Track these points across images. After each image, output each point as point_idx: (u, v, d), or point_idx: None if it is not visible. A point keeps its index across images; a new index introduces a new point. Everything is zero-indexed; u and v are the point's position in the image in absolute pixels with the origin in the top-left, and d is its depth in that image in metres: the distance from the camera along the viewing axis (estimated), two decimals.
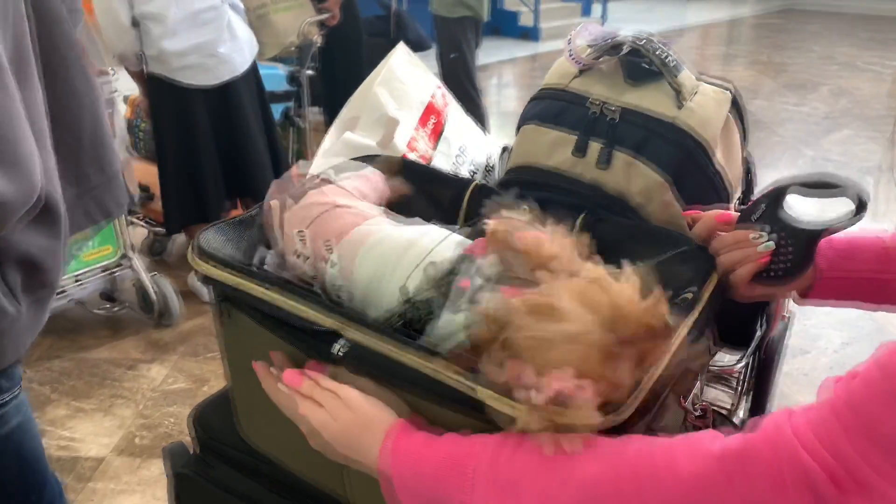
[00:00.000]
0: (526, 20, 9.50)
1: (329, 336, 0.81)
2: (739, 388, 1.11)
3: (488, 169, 1.33)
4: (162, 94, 2.98)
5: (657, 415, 0.74)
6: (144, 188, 3.37)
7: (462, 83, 4.47)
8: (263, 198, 1.00)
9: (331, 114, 3.69)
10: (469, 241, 0.87)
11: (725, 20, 11.18)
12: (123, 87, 3.17)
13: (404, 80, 1.33)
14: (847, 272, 0.93)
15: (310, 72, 3.85)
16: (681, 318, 0.76)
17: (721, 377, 1.12)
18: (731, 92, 1.07)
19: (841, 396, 0.62)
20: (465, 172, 1.29)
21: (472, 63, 4.63)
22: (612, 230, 1.01)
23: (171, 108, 2.99)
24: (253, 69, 3.10)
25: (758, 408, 1.13)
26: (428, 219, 1.00)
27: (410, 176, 1.12)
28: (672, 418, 0.80)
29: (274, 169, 3.23)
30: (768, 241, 0.90)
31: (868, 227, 0.92)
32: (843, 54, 8.72)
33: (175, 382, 2.75)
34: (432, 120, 1.32)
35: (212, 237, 0.92)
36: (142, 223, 3.46)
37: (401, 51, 1.37)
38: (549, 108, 1.10)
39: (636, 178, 1.02)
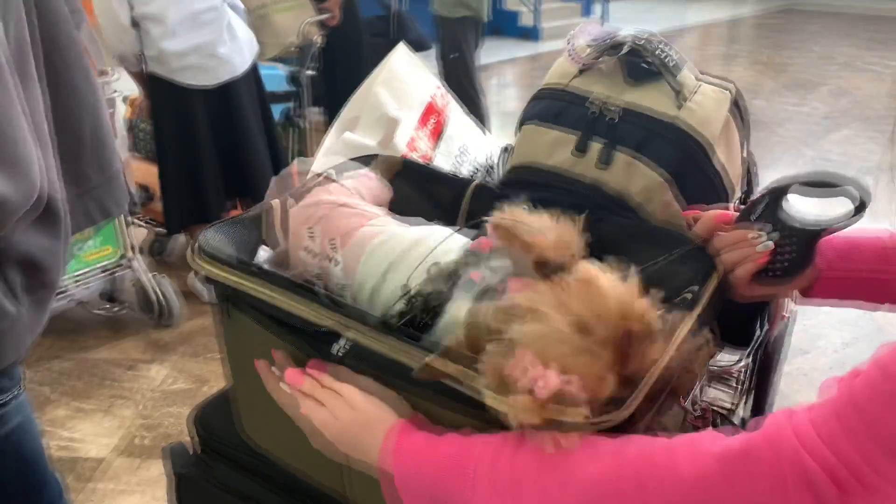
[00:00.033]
0: (526, 20, 9.50)
1: (330, 335, 0.81)
2: (740, 388, 1.11)
3: (489, 169, 1.33)
4: (162, 94, 2.98)
5: (656, 414, 0.74)
6: (145, 188, 3.37)
7: (462, 83, 4.47)
8: (263, 198, 1.00)
9: (331, 114, 3.68)
10: (472, 241, 0.87)
11: (726, 20, 11.18)
12: (124, 87, 3.18)
13: (405, 79, 1.33)
14: (846, 272, 0.93)
15: (310, 72, 3.85)
16: (678, 321, 0.76)
17: (722, 377, 1.11)
18: (731, 92, 1.07)
19: (842, 397, 0.61)
20: (465, 172, 1.29)
21: (473, 63, 4.63)
22: (613, 230, 1.01)
23: (171, 108, 2.99)
24: (253, 70, 3.10)
25: (758, 408, 1.12)
26: (429, 219, 1.00)
27: (411, 176, 1.12)
28: (672, 418, 0.80)
29: (274, 169, 3.23)
30: (768, 240, 0.90)
31: (868, 227, 0.92)
32: (844, 54, 8.71)
33: (176, 383, 2.75)
34: (433, 120, 1.32)
35: (212, 237, 0.92)
36: (143, 223, 3.46)
37: (401, 51, 1.37)
38: (549, 107, 1.10)
39: (637, 178, 1.02)
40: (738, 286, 0.92)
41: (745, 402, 1.12)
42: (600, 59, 1.06)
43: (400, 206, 1.07)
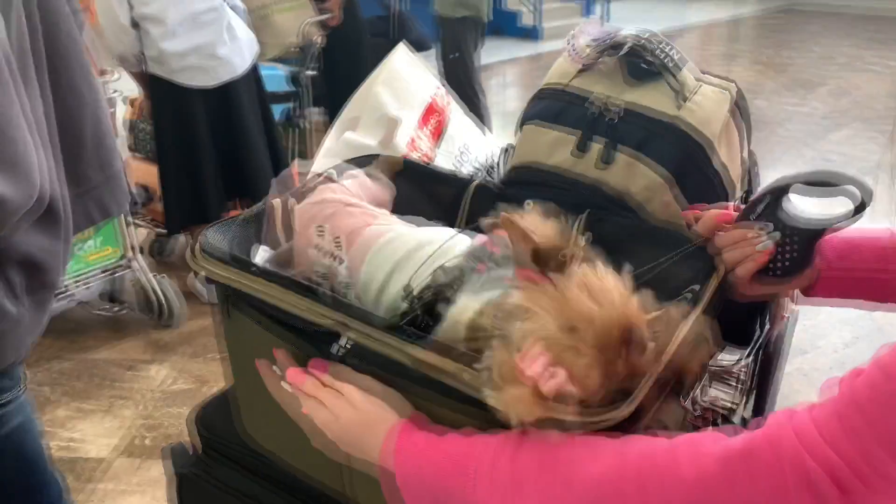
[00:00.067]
0: (527, 20, 9.50)
1: (331, 334, 0.81)
2: (740, 388, 1.11)
3: (490, 168, 1.33)
4: (162, 94, 2.98)
5: (657, 413, 0.74)
6: (145, 188, 3.37)
7: (463, 83, 4.47)
8: (263, 199, 1.00)
9: (332, 114, 3.69)
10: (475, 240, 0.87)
11: (727, 20, 11.17)
12: (126, 87, 3.18)
13: (405, 79, 1.33)
14: (846, 271, 0.93)
15: (311, 72, 3.85)
16: (679, 319, 0.76)
17: (722, 376, 1.11)
18: (732, 91, 1.07)
19: (844, 397, 0.61)
20: (467, 172, 1.29)
21: (474, 63, 4.64)
22: (614, 230, 1.01)
23: (171, 108, 2.99)
24: (253, 70, 3.11)
25: (759, 407, 1.12)
26: (429, 218, 1.00)
27: (411, 176, 1.12)
28: (673, 417, 0.80)
29: (274, 170, 3.23)
30: (769, 239, 0.90)
31: (868, 227, 0.92)
32: (844, 54, 8.71)
33: (177, 383, 2.75)
34: (434, 119, 1.32)
35: (212, 236, 0.92)
36: (145, 224, 3.47)
37: (401, 50, 1.37)
38: (549, 107, 1.10)
39: (637, 177, 1.02)
40: (739, 285, 0.92)
41: (747, 402, 1.12)
42: (601, 59, 1.06)
43: (400, 206, 1.07)
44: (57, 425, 2.52)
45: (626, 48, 1.05)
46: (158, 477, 2.28)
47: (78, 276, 2.75)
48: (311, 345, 0.83)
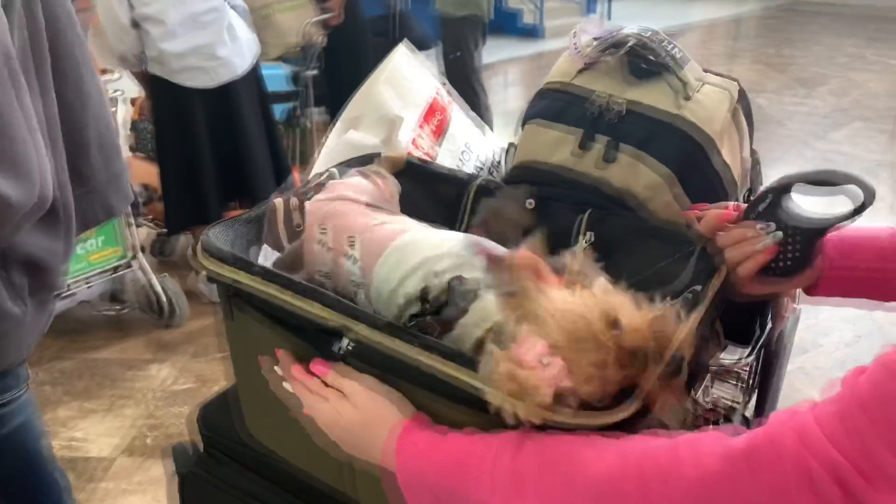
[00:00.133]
0: (528, 19, 9.50)
1: (333, 334, 0.81)
2: (741, 386, 1.11)
3: (493, 166, 1.33)
4: (162, 94, 2.99)
5: (661, 411, 0.74)
6: (148, 188, 3.38)
7: (466, 82, 4.47)
8: (262, 199, 1.00)
9: (334, 114, 3.70)
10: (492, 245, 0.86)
11: (730, 17, 11.16)
12: (128, 87, 3.18)
13: (407, 78, 1.33)
14: (848, 270, 0.93)
15: (313, 72, 3.85)
16: (681, 318, 0.76)
17: (725, 375, 1.11)
18: (734, 89, 1.07)
19: (846, 396, 0.61)
20: (470, 170, 1.29)
21: (476, 62, 4.63)
22: (616, 229, 1.01)
23: (171, 108, 2.99)
24: (253, 70, 3.10)
25: (762, 406, 1.12)
26: (431, 216, 1.00)
27: (413, 174, 1.12)
28: (675, 417, 0.80)
29: (275, 171, 3.24)
30: (771, 238, 0.90)
31: (870, 225, 0.92)
32: (846, 52, 8.69)
33: (181, 383, 2.76)
34: (437, 117, 1.31)
35: (215, 236, 0.92)
36: (146, 223, 3.47)
37: (403, 49, 1.37)
38: (551, 105, 1.10)
39: (640, 176, 1.02)
40: (741, 284, 0.92)
41: (748, 401, 1.12)
42: (602, 57, 1.06)
43: (403, 205, 1.07)
44: (59, 424, 2.52)
45: (627, 47, 1.05)
46: (160, 476, 2.29)
47: (80, 275, 2.75)
48: (313, 345, 0.83)
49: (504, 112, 5.89)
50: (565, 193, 1.06)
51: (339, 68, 4.07)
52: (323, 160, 1.22)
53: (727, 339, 1.04)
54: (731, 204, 0.97)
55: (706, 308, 0.83)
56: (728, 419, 1.07)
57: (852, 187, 0.85)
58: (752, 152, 1.13)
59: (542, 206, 1.07)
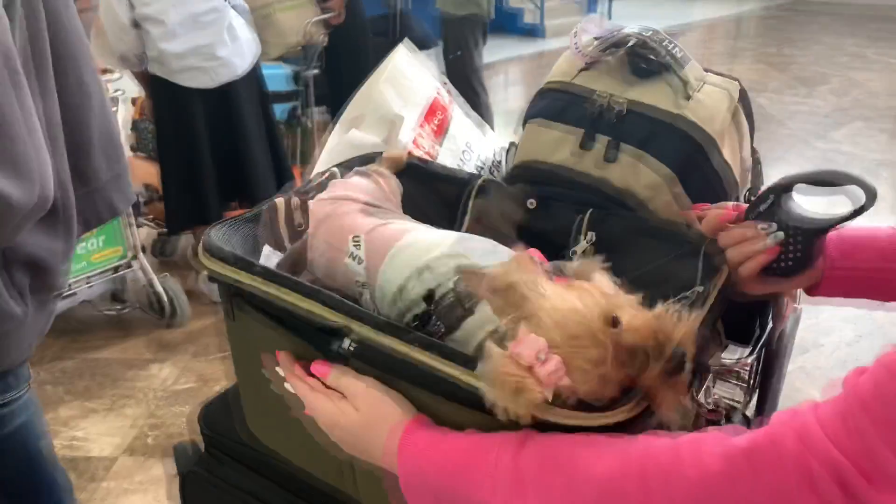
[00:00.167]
0: (529, 18, 9.49)
1: (334, 334, 0.81)
2: (743, 386, 1.11)
3: (494, 166, 1.33)
4: (162, 94, 2.99)
5: (659, 414, 0.74)
6: (149, 188, 3.38)
7: (467, 81, 4.47)
8: (262, 200, 1.00)
9: (335, 113, 3.70)
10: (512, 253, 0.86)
11: (730, 16, 11.16)
12: (129, 87, 3.18)
13: (408, 77, 1.33)
14: (849, 270, 0.93)
15: (314, 71, 3.85)
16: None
17: (727, 373, 1.11)
18: (735, 88, 1.07)
19: (848, 396, 0.61)
20: (471, 169, 1.29)
21: (477, 61, 4.63)
22: (618, 228, 1.01)
23: (171, 108, 2.99)
24: (254, 70, 3.10)
25: (763, 406, 1.12)
26: (433, 216, 1.00)
27: (414, 174, 1.12)
28: (685, 414, 0.80)
29: (275, 171, 3.24)
30: (772, 238, 0.90)
31: (870, 224, 0.92)
32: (847, 51, 8.69)
33: (182, 382, 2.76)
34: (438, 116, 1.31)
35: (216, 236, 0.92)
36: (147, 223, 3.47)
37: (404, 48, 1.37)
38: (552, 104, 1.10)
39: (640, 175, 1.02)
40: (742, 284, 0.92)
41: (749, 401, 1.12)
42: (606, 53, 1.06)
43: (403, 204, 1.07)
44: (60, 424, 2.53)
45: (628, 46, 1.05)
46: (162, 475, 2.29)
47: (81, 275, 2.76)
48: (314, 345, 0.83)
49: (505, 111, 5.89)
50: (566, 193, 1.06)
51: (340, 68, 4.07)
52: (324, 160, 1.22)
53: (728, 338, 1.04)
54: (731, 204, 0.97)
55: (708, 308, 0.83)
56: (729, 418, 1.07)
57: (853, 188, 0.85)
58: (753, 152, 1.13)
59: (543, 206, 1.07)
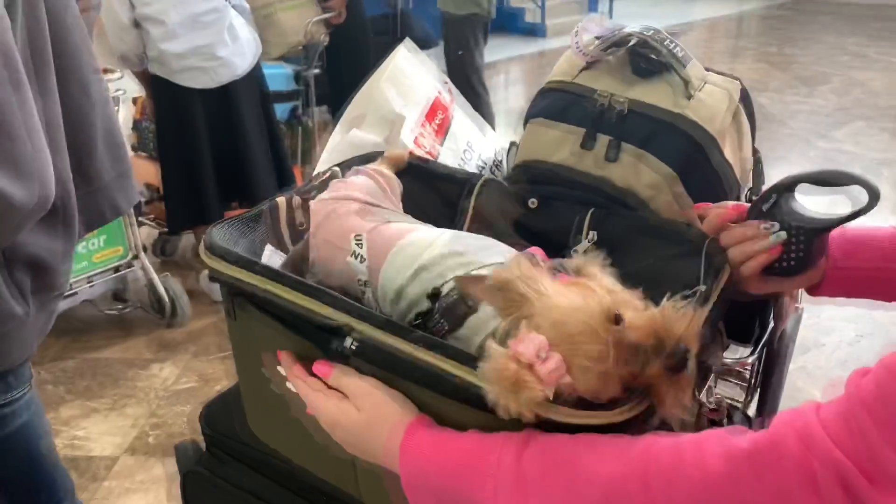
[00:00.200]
0: (530, 17, 9.49)
1: (336, 334, 0.81)
2: (744, 385, 1.11)
3: (495, 165, 1.33)
4: (163, 94, 2.99)
5: (661, 414, 0.74)
6: (150, 187, 3.38)
7: (469, 80, 4.47)
8: (262, 200, 1.00)
9: (336, 113, 3.71)
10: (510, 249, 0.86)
11: (732, 15, 11.16)
12: (131, 87, 3.19)
13: (409, 76, 1.32)
14: (851, 270, 0.93)
15: (315, 71, 3.85)
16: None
17: (728, 373, 1.11)
18: (736, 87, 1.07)
19: (850, 396, 0.61)
20: (472, 168, 1.29)
21: (478, 60, 4.63)
22: (619, 227, 1.01)
23: (172, 109, 3.00)
24: (254, 70, 3.10)
25: (764, 406, 1.12)
26: (434, 215, 1.00)
27: (415, 173, 1.12)
28: (691, 412, 0.80)
29: (276, 171, 3.24)
30: (774, 237, 0.90)
31: (872, 224, 0.92)
32: (848, 50, 8.68)
33: (184, 382, 2.76)
34: (439, 116, 1.31)
35: (218, 235, 0.92)
36: (149, 223, 3.47)
37: (405, 48, 1.37)
38: (554, 103, 1.10)
39: (642, 174, 1.01)
40: (744, 283, 0.92)
41: (751, 400, 1.12)
42: (607, 52, 1.06)
43: (405, 203, 1.07)
44: (62, 423, 2.53)
45: (629, 45, 1.05)
46: (163, 475, 2.29)
47: (82, 274, 2.76)
48: (316, 344, 0.83)
49: (506, 111, 5.89)
50: (567, 193, 1.06)
51: (341, 67, 4.08)
52: (325, 159, 1.22)
53: (729, 338, 1.04)
54: (731, 204, 0.97)
55: (711, 308, 0.83)
56: (730, 418, 1.06)
57: (856, 188, 0.85)
58: (755, 151, 1.13)
59: (544, 206, 1.07)
